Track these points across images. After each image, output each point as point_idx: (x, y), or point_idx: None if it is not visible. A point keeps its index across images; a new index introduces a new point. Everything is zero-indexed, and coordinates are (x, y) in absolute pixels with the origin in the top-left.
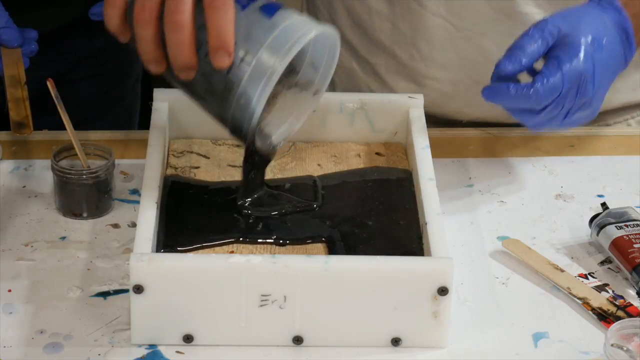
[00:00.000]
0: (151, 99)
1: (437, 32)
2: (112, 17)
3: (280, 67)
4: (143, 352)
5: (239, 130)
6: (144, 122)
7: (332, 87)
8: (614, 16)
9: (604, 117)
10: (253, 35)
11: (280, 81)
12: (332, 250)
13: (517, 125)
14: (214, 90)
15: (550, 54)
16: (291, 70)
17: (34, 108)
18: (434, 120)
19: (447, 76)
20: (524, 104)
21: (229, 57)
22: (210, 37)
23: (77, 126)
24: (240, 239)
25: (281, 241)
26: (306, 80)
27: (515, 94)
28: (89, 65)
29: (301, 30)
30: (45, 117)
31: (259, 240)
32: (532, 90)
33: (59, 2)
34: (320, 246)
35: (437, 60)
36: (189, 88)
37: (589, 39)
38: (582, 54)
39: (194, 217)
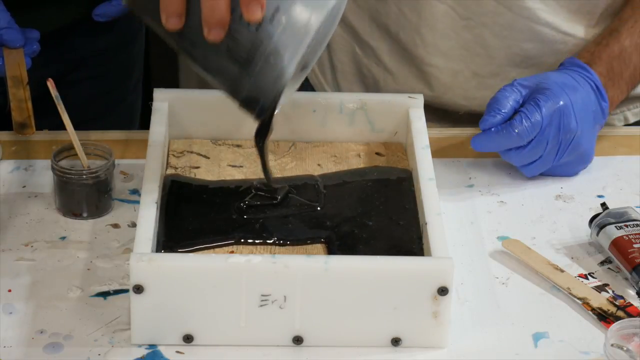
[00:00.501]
0: (151, 99)
1: (441, 19)
2: None
3: (315, 23)
4: (143, 352)
5: (258, 96)
6: (144, 122)
7: (333, 71)
8: (581, 71)
9: None
10: None
11: None
12: (331, 250)
13: None
14: (239, 50)
15: (527, 100)
16: None
17: (35, 108)
18: (431, 110)
19: (447, 65)
20: (507, 140)
21: (262, 10)
22: None
23: (79, 126)
24: (242, 240)
25: (281, 242)
26: None
27: (497, 131)
28: (90, 65)
29: None
30: (45, 117)
31: (259, 242)
32: (512, 125)
33: (59, 2)
34: (320, 247)
35: (440, 48)
36: (205, 51)
37: (561, 84)
38: (557, 91)
39: (194, 217)
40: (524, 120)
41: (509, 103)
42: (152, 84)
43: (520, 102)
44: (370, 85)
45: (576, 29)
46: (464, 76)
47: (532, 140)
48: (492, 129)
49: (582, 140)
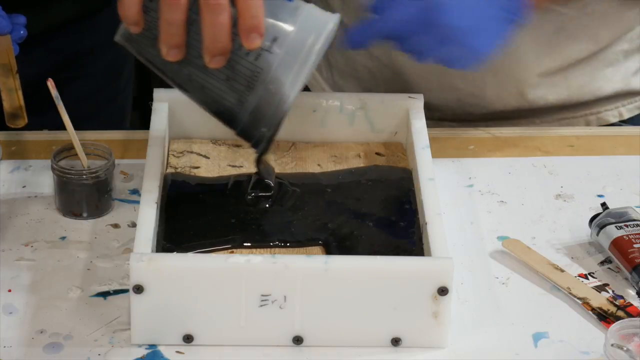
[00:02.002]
0: (151, 99)
1: None
2: (131, 4)
3: (315, 49)
4: (143, 352)
5: (257, 125)
6: (144, 122)
7: (329, 69)
8: None
9: (595, 104)
10: (280, 17)
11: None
12: (331, 252)
13: (517, 124)
14: (238, 79)
15: None
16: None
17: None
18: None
19: None
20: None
21: (260, 38)
22: (244, 19)
23: (82, 123)
24: (244, 243)
25: (281, 244)
26: None
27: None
28: (78, 65)
29: (323, 16)
30: (45, 117)
31: (258, 244)
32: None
33: (44, 4)
34: (319, 249)
35: None
36: (203, 82)
37: None
38: None
39: (194, 218)
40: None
41: None
42: (151, 84)
43: None
44: (367, 80)
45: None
46: None
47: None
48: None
49: (467, 38)
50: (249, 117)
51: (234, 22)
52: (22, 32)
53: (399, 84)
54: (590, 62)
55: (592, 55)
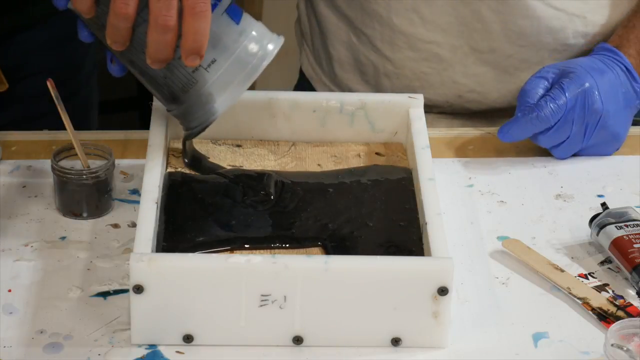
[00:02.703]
0: (151, 99)
1: None
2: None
3: (246, 83)
4: (143, 352)
5: (186, 122)
6: (144, 122)
7: (330, 61)
8: (610, 55)
9: None
10: (223, 40)
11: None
12: (331, 253)
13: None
14: (174, 82)
15: (553, 85)
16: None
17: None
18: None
19: (447, 40)
20: (534, 125)
21: (200, 59)
22: (187, 41)
23: (30, 123)
24: (245, 245)
25: (281, 245)
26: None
27: (523, 116)
28: (34, 60)
29: (265, 42)
30: (45, 117)
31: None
32: (538, 107)
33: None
34: (320, 249)
35: (439, 23)
36: (143, 67)
37: (588, 67)
38: (582, 74)
39: (194, 220)
40: (549, 102)
41: (538, 93)
42: None
43: (549, 88)
44: (369, 73)
45: (566, 4)
46: (463, 52)
47: (558, 121)
48: (519, 114)
49: (609, 121)
50: (179, 110)
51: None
52: None
53: (400, 79)
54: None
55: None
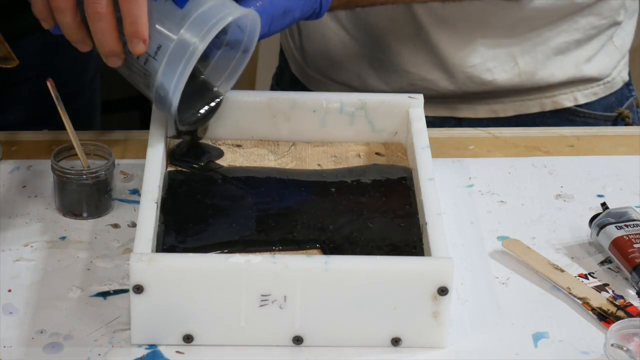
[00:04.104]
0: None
1: None
2: (36, 3)
3: (189, 64)
4: (143, 352)
5: (165, 110)
6: (144, 122)
7: (299, 36)
8: None
9: (551, 89)
10: (166, 26)
11: (211, 42)
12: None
13: (492, 121)
14: (137, 77)
15: None
16: (220, 30)
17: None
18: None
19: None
20: None
21: (144, 44)
22: (125, 25)
23: (35, 124)
24: (248, 249)
25: (280, 247)
26: (235, 40)
27: None
28: (39, 60)
29: (212, 19)
30: (45, 117)
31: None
32: None
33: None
34: (319, 250)
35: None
36: (121, 71)
37: None
38: None
39: (194, 222)
40: None
41: None
42: None
43: None
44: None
45: None
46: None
47: None
48: None
49: None
50: (163, 111)
51: None
52: None
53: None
54: (535, 49)
55: (537, 41)
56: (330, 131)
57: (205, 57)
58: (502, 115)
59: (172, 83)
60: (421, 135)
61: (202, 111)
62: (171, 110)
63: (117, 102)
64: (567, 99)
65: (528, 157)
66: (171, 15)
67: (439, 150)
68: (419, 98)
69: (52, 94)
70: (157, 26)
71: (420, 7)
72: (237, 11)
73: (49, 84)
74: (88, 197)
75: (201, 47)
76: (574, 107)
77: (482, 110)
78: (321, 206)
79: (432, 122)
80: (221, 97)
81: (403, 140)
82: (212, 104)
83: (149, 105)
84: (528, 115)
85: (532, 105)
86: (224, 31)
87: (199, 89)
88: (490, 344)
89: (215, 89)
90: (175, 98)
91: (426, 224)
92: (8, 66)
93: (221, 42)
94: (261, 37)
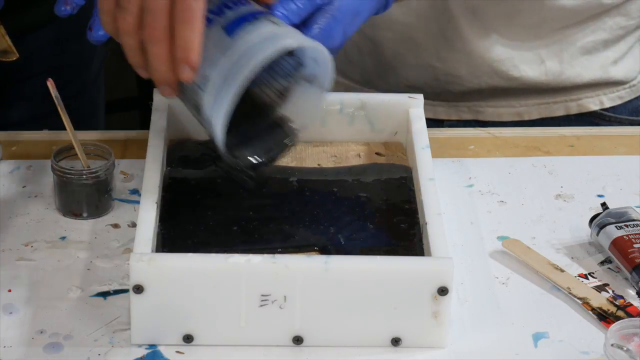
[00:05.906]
0: (151, 99)
1: None
2: (106, 23)
3: (230, 98)
4: (143, 352)
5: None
6: (144, 122)
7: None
8: None
9: (577, 91)
10: (211, 56)
11: (289, 74)
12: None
13: (516, 124)
14: (191, 107)
15: None
16: (299, 63)
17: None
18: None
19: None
20: None
21: (191, 72)
22: (174, 47)
23: (38, 122)
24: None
25: (280, 249)
26: (311, 74)
27: None
28: (41, 58)
29: (255, 54)
30: (50, 114)
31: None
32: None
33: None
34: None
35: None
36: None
37: None
38: None
39: (194, 223)
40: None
41: None
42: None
43: None
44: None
45: None
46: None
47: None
48: None
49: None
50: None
51: None
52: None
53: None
54: (562, 48)
55: (564, 40)
56: (330, 131)
57: (280, 93)
58: (526, 118)
59: (219, 118)
60: (421, 135)
61: (275, 153)
62: (219, 140)
63: (118, 102)
64: (593, 102)
65: (528, 157)
66: (218, 45)
67: (439, 150)
68: (419, 98)
69: (52, 94)
70: (208, 54)
71: None
72: (285, 43)
73: (49, 84)
74: (88, 197)
75: (242, 77)
76: (599, 111)
77: (506, 114)
78: (322, 207)
79: (454, 126)
80: (294, 136)
81: (403, 140)
82: (286, 142)
83: (149, 105)
84: (553, 119)
85: (557, 109)
86: (302, 64)
87: (272, 127)
88: (490, 344)
89: (291, 127)
90: (220, 126)
91: (426, 224)
92: (8, 59)
93: (300, 75)
94: (338, 47)
